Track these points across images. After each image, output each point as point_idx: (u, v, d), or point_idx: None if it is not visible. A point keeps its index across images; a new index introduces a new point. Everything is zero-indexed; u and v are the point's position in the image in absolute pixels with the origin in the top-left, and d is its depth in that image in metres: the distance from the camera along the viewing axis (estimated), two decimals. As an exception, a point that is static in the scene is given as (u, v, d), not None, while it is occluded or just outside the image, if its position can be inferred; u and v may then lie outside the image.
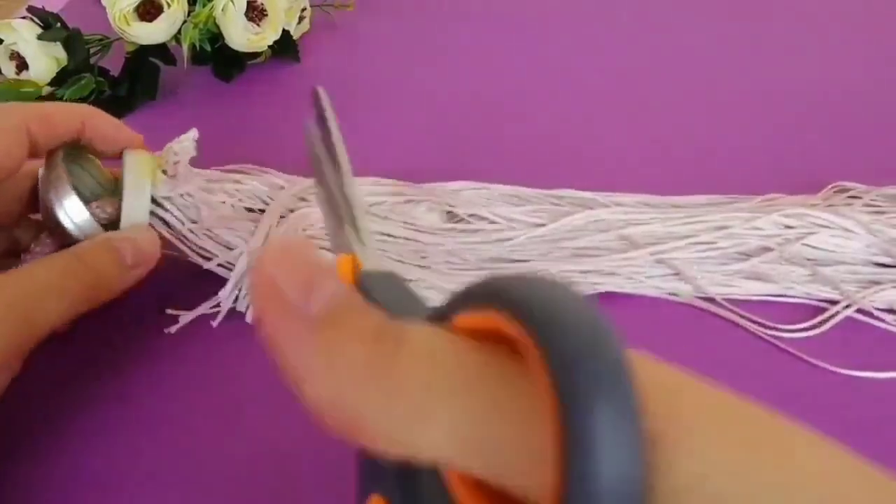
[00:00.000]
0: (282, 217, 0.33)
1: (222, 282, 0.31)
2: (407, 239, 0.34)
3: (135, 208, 0.29)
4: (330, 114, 0.25)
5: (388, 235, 0.34)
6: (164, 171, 0.30)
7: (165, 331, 0.30)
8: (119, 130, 0.31)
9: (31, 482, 0.25)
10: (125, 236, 0.28)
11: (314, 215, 0.33)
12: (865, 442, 0.27)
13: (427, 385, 0.11)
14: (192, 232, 0.31)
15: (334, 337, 0.12)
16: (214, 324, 0.30)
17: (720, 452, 0.10)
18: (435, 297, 0.31)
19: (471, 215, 0.35)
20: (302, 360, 0.12)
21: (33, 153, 0.28)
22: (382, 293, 0.15)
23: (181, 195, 0.30)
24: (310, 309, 0.12)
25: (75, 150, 0.29)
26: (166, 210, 0.30)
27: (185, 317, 0.31)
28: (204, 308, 0.31)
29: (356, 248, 0.18)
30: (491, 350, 0.12)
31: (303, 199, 0.34)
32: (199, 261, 0.31)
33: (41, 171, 0.29)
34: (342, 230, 0.19)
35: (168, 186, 0.30)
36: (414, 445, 0.11)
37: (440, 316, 0.13)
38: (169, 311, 0.31)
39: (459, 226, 0.35)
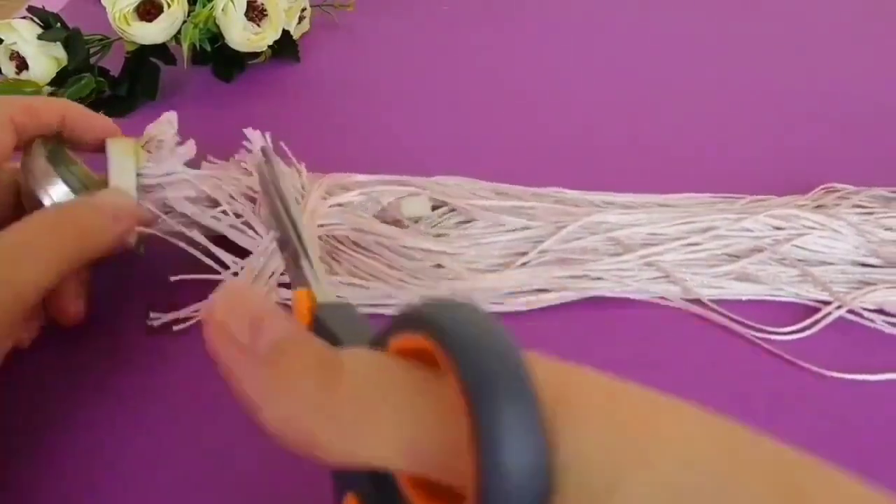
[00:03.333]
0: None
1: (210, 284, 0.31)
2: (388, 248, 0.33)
3: (121, 181, 0.29)
4: (273, 156, 0.28)
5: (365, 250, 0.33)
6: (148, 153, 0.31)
7: (148, 323, 0.30)
8: (97, 119, 0.31)
9: (21, 485, 0.25)
10: (105, 194, 0.29)
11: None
12: (856, 444, 0.27)
13: (362, 402, 0.13)
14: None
15: (281, 370, 0.13)
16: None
17: (594, 430, 0.12)
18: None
19: (451, 210, 0.35)
20: (255, 392, 0.13)
21: (19, 145, 0.28)
22: (337, 323, 0.18)
23: (167, 174, 0.31)
24: (257, 347, 0.14)
25: (57, 147, 0.29)
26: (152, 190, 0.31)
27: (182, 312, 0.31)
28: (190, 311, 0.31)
29: (312, 282, 0.20)
30: (417, 367, 0.14)
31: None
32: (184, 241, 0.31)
33: (22, 162, 0.29)
34: (298, 266, 0.21)
35: (151, 164, 0.30)
36: (358, 454, 0.13)
37: (380, 340, 0.15)
38: (169, 316, 0.31)
39: (453, 232, 0.35)
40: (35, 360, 0.28)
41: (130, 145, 0.31)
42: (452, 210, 0.36)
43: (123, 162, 0.30)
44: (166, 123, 0.32)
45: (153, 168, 0.31)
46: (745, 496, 0.12)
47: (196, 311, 0.31)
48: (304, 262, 0.21)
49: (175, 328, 0.30)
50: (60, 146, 0.30)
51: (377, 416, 0.13)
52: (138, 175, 0.30)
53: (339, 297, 0.20)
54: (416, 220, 0.35)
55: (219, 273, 0.31)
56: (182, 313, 0.30)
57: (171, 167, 0.31)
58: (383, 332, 0.15)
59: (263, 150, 0.30)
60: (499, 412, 0.12)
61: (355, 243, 0.33)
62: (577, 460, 0.12)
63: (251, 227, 0.32)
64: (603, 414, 0.13)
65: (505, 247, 0.34)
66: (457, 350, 0.12)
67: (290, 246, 0.22)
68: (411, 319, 0.14)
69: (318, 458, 0.13)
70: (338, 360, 0.14)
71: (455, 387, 0.12)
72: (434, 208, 0.36)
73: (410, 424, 0.13)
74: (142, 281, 0.32)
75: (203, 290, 0.30)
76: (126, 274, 0.32)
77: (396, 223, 0.34)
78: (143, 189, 0.30)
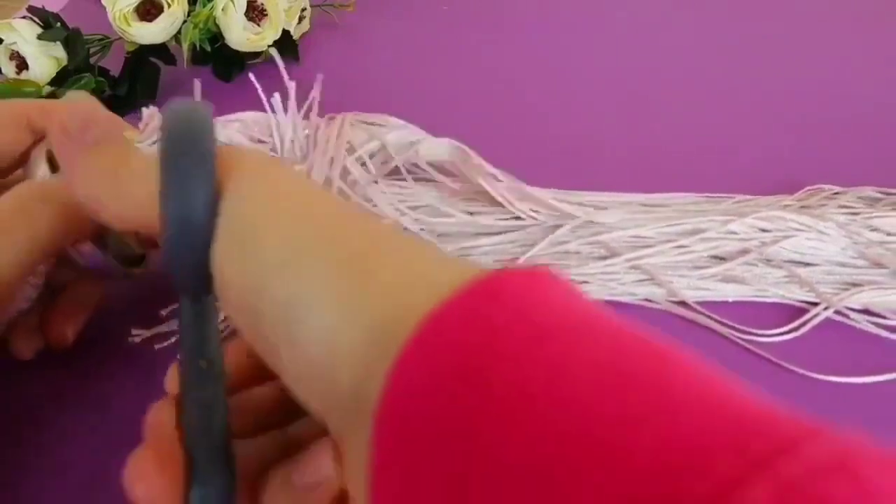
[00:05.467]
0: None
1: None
2: None
3: None
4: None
5: None
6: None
7: (130, 339, 0.30)
8: (113, 123, 0.30)
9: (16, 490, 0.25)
10: None
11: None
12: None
13: (129, 179, 0.18)
14: None
15: (92, 155, 0.19)
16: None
17: (247, 188, 0.17)
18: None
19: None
20: (73, 171, 0.19)
21: (35, 145, 0.28)
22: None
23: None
24: (83, 138, 0.19)
25: None
26: None
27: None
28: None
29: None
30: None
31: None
32: None
33: (25, 167, 0.29)
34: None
35: (143, 144, 0.30)
36: (120, 215, 0.19)
37: None
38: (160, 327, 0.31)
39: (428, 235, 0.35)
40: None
41: (126, 132, 0.30)
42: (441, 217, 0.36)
43: None
44: (154, 108, 0.32)
45: (142, 145, 0.30)
46: (321, 259, 0.16)
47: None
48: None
49: (156, 346, 0.30)
50: None
51: (135, 188, 0.18)
52: None
53: None
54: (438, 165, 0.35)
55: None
56: (165, 328, 0.30)
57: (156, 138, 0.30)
58: None
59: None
60: (173, 166, 0.16)
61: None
62: (230, 211, 0.16)
63: None
64: (259, 179, 0.17)
65: (493, 251, 0.34)
66: (164, 123, 0.17)
67: None
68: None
69: (104, 221, 0.19)
70: (126, 154, 0.19)
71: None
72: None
73: (151, 193, 0.16)
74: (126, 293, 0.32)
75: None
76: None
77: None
78: None
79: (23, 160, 0.28)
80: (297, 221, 0.16)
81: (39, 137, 0.28)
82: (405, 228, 0.34)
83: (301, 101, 0.48)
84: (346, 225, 0.17)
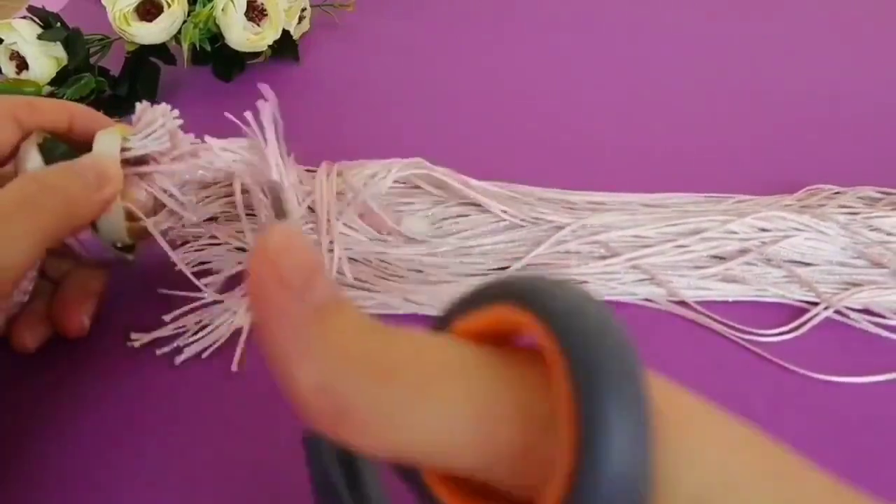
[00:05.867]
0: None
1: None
2: (378, 258, 0.34)
3: (103, 148, 0.28)
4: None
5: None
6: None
7: (129, 343, 0.30)
8: (103, 121, 0.30)
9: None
10: (85, 160, 0.27)
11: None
12: (845, 445, 0.28)
13: (423, 376, 0.11)
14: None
15: (329, 327, 0.12)
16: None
17: (708, 454, 0.11)
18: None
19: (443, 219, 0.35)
20: (295, 346, 0.11)
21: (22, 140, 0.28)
22: None
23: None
24: (312, 298, 0.12)
25: (51, 142, 0.29)
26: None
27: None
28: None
29: None
30: (493, 349, 0.12)
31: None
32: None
33: (16, 157, 0.28)
34: None
35: (136, 137, 0.29)
36: (403, 440, 0.11)
37: (440, 324, 0.13)
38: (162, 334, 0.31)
39: (429, 234, 0.35)
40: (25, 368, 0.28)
41: (117, 127, 0.30)
42: (445, 219, 0.36)
43: (107, 137, 0.29)
44: (146, 102, 0.31)
45: (137, 140, 0.29)
46: None
47: (178, 329, 0.30)
48: None
49: (157, 352, 0.30)
50: (54, 141, 0.29)
51: (447, 397, 0.11)
52: (123, 150, 0.29)
53: None
54: (417, 237, 0.35)
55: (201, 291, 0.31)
56: (163, 332, 0.30)
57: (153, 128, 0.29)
58: (444, 315, 0.13)
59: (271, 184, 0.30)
60: (611, 410, 0.10)
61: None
62: (685, 477, 0.11)
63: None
64: (712, 435, 0.12)
65: (493, 250, 0.34)
66: (567, 335, 0.11)
67: None
68: (491, 294, 0.12)
69: (349, 439, 0.11)
70: (393, 329, 0.12)
71: (559, 374, 0.11)
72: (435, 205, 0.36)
73: (488, 412, 0.11)
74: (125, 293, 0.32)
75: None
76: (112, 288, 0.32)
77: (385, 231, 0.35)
78: (129, 163, 0.29)
79: (10, 156, 0.28)
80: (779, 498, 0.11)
81: (26, 133, 0.28)
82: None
83: (302, 101, 0.48)
84: None
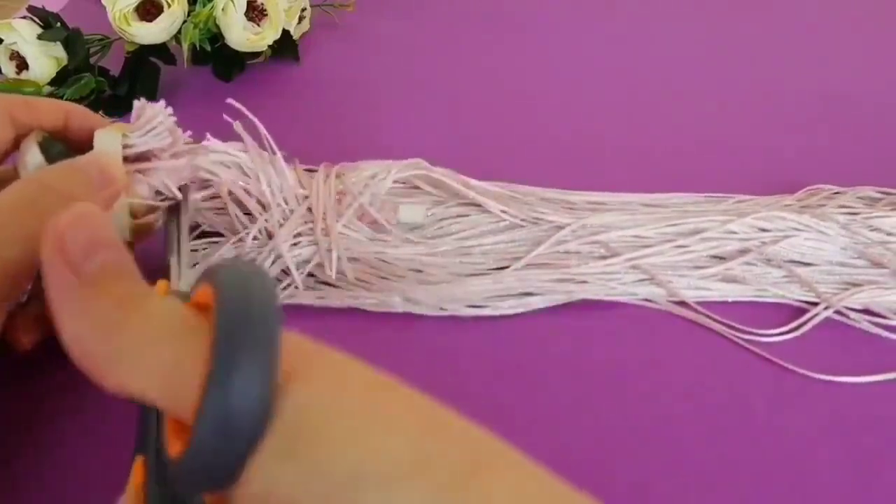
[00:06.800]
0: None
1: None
2: (378, 257, 0.34)
3: (104, 145, 0.28)
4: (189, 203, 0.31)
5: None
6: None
7: None
8: (99, 122, 0.30)
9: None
10: (88, 159, 0.27)
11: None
12: (845, 446, 0.28)
13: (140, 337, 0.14)
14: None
15: (92, 294, 0.15)
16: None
17: (314, 388, 0.14)
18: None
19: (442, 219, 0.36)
20: (64, 308, 0.15)
21: (18, 142, 0.28)
22: None
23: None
24: (84, 267, 0.15)
25: (51, 140, 0.29)
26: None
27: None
28: None
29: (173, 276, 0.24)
30: (203, 316, 0.15)
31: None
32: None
33: (18, 156, 0.28)
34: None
35: (136, 134, 0.29)
36: (125, 385, 0.14)
37: (186, 295, 0.17)
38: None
39: (428, 237, 0.35)
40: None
41: (114, 126, 0.30)
42: (445, 219, 0.36)
43: (107, 135, 0.29)
44: (142, 100, 0.31)
45: (138, 137, 0.29)
46: (415, 486, 0.13)
47: None
48: (172, 259, 0.25)
49: None
50: (51, 140, 0.29)
51: (150, 353, 0.14)
52: (125, 147, 0.29)
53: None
54: (413, 227, 0.35)
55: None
56: None
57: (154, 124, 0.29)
58: (192, 287, 0.17)
59: (182, 188, 0.31)
60: (228, 346, 0.13)
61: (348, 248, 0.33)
62: (293, 409, 0.13)
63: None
64: (323, 375, 0.14)
65: (493, 250, 0.34)
66: (220, 296, 0.14)
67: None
68: (206, 273, 0.15)
69: (99, 383, 0.14)
70: (143, 300, 0.15)
71: (211, 327, 0.14)
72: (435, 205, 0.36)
73: (173, 363, 0.14)
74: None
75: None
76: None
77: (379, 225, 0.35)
78: (129, 160, 0.29)
79: (5, 155, 0.27)
80: (384, 432, 0.13)
81: (21, 132, 0.28)
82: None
83: (302, 101, 0.48)
84: (445, 439, 0.14)
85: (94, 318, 0.14)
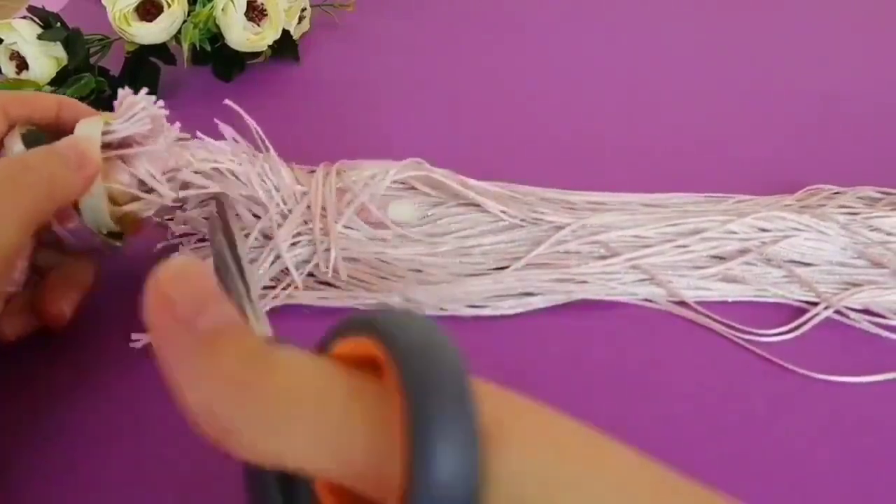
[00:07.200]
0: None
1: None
2: (377, 257, 0.34)
3: (84, 131, 0.28)
4: (233, 219, 0.29)
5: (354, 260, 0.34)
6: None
7: (132, 344, 0.30)
8: (90, 113, 0.30)
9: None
10: (66, 142, 0.27)
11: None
12: (845, 446, 0.28)
13: (292, 399, 0.13)
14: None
15: (214, 352, 0.13)
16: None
17: (531, 454, 0.13)
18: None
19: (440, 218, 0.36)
20: (182, 370, 0.13)
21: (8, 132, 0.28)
22: None
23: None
24: (197, 325, 0.13)
25: (34, 133, 0.29)
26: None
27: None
28: None
29: (250, 320, 0.20)
30: (357, 373, 0.14)
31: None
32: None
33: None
34: (241, 307, 0.21)
35: (117, 120, 0.29)
36: (276, 453, 0.13)
37: (321, 346, 0.15)
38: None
39: (427, 237, 0.35)
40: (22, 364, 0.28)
41: (100, 116, 0.30)
42: (444, 219, 0.36)
43: (88, 122, 0.29)
44: (127, 90, 0.31)
45: (119, 123, 0.29)
46: None
47: None
48: (245, 303, 0.21)
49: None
50: (36, 132, 0.29)
51: (307, 416, 0.13)
52: (104, 133, 0.29)
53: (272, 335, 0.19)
54: (402, 225, 0.35)
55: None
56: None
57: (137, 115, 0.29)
58: (325, 338, 0.15)
59: (217, 196, 0.31)
60: (436, 421, 0.12)
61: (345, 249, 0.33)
62: (509, 478, 0.12)
63: None
64: (537, 437, 0.13)
65: (493, 250, 0.34)
66: (401, 355, 0.12)
67: (233, 288, 0.22)
68: (358, 324, 0.14)
69: (234, 452, 0.13)
70: (274, 355, 0.13)
71: (395, 392, 0.12)
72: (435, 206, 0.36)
73: (342, 428, 0.13)
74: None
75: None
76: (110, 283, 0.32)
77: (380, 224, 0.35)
78: (112, 146, 0.29)
79: None
80: (604, 496, 0.13)
81: (13, 125, 0.28)
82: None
83: (302, 101, 0.48)
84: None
85: (222, 380, 0.13)
